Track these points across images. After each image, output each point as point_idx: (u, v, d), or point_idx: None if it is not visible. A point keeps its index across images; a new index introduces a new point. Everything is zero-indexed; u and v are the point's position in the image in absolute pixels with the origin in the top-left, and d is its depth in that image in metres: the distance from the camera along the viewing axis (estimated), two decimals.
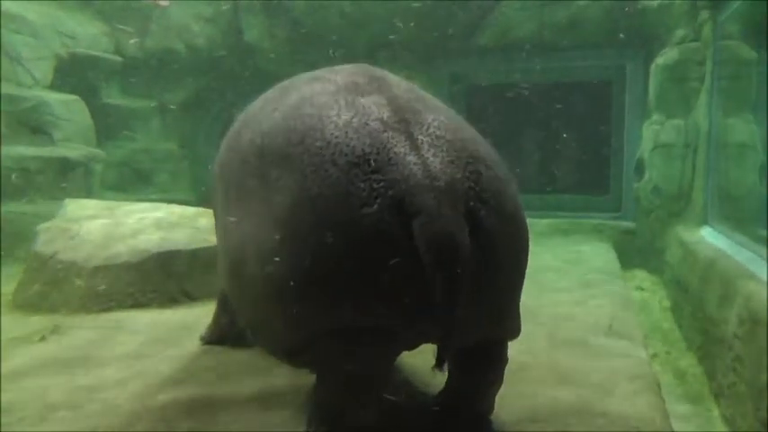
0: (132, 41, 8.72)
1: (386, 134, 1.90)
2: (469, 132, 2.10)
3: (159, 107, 9.18)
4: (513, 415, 2.22)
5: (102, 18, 8.79)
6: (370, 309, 1.85)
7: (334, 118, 1.97)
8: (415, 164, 1.84)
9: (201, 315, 3.88)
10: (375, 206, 1.81)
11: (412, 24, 8.13)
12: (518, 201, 2.07)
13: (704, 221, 6.42)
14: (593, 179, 8.52)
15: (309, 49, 8.47)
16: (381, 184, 1.83)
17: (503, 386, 2.18)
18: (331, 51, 7.37)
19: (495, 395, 2.27)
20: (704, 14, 6.77)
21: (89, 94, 8.17)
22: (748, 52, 6.47)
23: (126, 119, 8.86)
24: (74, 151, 7.38)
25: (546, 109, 8.42)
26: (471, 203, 1.84)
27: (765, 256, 4.30)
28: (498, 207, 1.90)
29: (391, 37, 8.11)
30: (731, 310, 3.89)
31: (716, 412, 3.92)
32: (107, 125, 8.47)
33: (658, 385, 2.61)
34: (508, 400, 2.34)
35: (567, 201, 8.36)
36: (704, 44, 6.79)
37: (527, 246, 2.09)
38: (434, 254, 1.74)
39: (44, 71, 7.62)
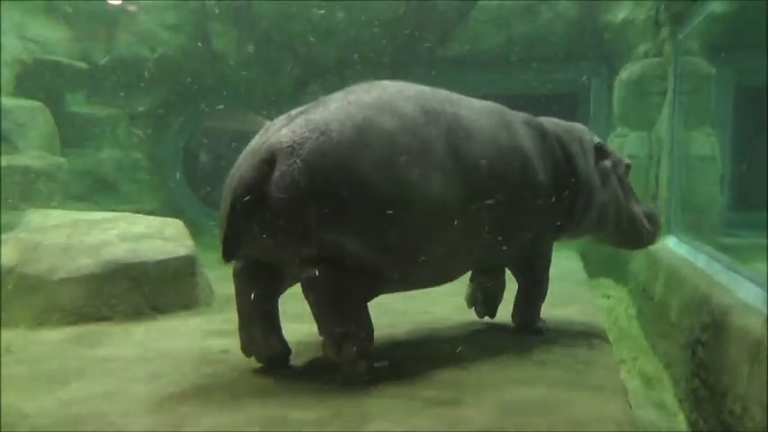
0: (105, 59, 8.58)
1: (280, 121, 2.64)
2: (344, 117, 2.54)
3: (125, 115, 9.02)
4: (480, 422, 2.23)
5: (68, 23, 8.61)
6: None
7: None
8: (269, 135, 2.56)
9: (169, 328, 3.81)
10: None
11: (380, 35, 8.19)
12: (364, 168, 2.46)
13: (668, 231, 6.59)
14: None
15: (276, 58, 8.46)
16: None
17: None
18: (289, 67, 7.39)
19: (337, 333, 2.49)
20: (665, 32, 7.00)
21: (53, 101, 7.97)
22: (707, 68, 6.71)
23: (91, 127, 8.67)
24: (37, 160, 7.20)
25: None
26: (289, 159, 2.42)
27: (727, 263, 4.43)
28: (313, 163, 2.42)
29: (358, 47, 8.15)
30: (695, 316, 4.00)
31: (681, 417, 4.02)
32: (72, 133, 8.28)
33: (626, 391, 2.66)
34: (476, 406, 2.35)
35: None
36: (666, 59, 7.02)
37: (362, 197, 2.46)
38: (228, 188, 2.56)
39: (6, 77, 7.42)
